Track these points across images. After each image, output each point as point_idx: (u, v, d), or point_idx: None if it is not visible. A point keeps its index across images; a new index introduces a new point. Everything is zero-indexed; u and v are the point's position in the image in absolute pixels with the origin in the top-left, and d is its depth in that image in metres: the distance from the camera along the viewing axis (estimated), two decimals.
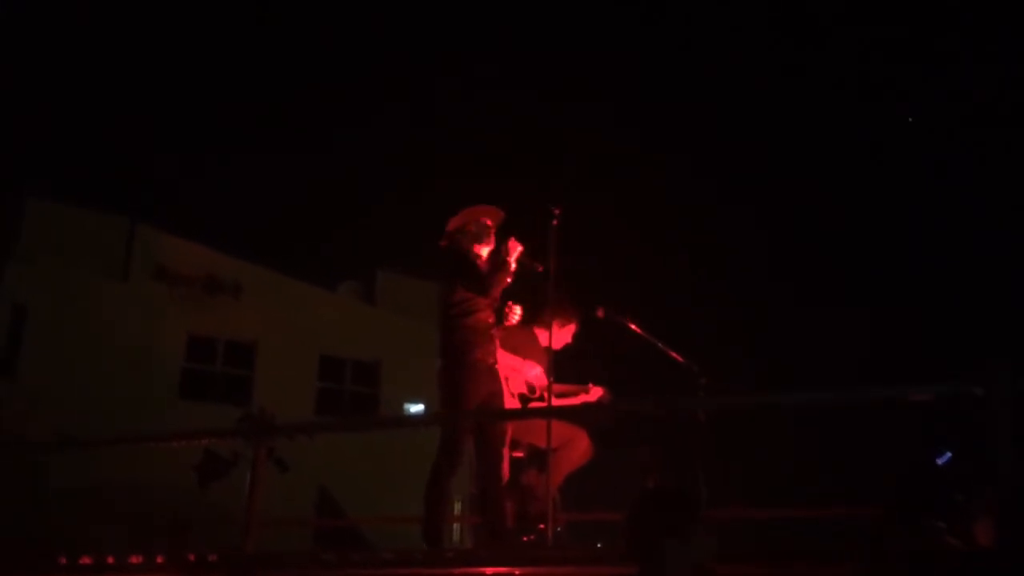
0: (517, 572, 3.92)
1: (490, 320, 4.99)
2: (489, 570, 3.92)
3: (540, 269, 5.05)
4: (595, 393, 5.63)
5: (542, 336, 5.53)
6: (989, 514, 2.25)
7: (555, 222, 4.95)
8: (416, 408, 17.48)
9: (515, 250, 4.94)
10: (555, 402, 5.17)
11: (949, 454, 3.27)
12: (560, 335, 5.49)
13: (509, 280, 4.97)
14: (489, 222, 5.13)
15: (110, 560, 4.55)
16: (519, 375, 5.43)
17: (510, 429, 5.12)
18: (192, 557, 4.39)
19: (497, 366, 5.04)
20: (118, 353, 14.42)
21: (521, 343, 5.46)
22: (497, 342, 5.09)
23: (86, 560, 4.59)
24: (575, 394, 5.64)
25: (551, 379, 5.06)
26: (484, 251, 5.11)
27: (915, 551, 2.28)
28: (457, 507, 15.48)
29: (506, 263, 4.91)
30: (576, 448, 5.24)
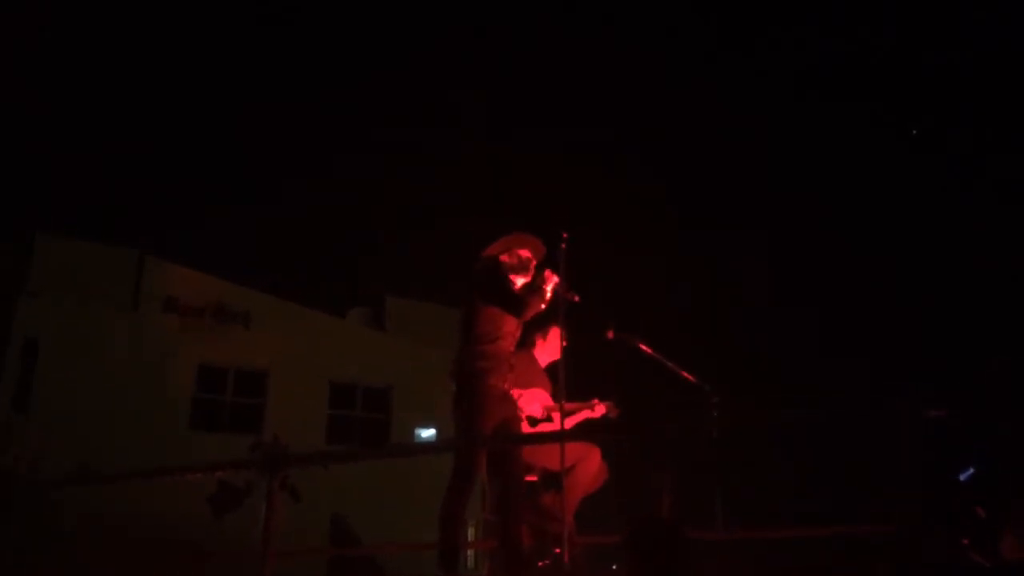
0: None
1: (511, 349, 4.93)
2: None
3: (576, 299, 5.01)
4: (600, 409, 5.61)
5: (541, 357, 5.58)
6: (1014, 528, 2.21)
7: (564, 246, 4.94)
8: (428, 433, 17.45)
9: (551, 280, 4.88)
10: (560, 419, 5.13)
11: (972, 470, 3.23)
12: (548, 347, 5.51)
13: (543, 307, 4.91)
14: (530, 256, 5.10)
15: None
16: (525, 402, 5.39)
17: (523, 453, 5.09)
18: None
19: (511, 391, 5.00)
20: (130, 385, 14.47)
21: (522, 368, 5.38)
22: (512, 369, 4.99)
23: None
24: (580, 411, 5.62)
25: (562, 400, 5.02)
26: (519, 282, 5.04)
27: (941, 568, 2.25)
28: (471, 533, 15.44)
29: (542, 290, 4.86)
30: (590, 466, 5.18)
